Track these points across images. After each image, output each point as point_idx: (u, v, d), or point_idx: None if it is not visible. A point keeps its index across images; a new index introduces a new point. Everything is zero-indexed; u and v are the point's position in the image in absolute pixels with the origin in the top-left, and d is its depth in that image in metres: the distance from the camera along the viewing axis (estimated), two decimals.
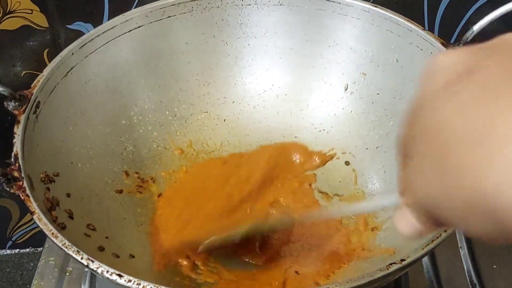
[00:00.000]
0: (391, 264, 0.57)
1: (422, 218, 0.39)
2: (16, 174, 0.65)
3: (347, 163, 0.92)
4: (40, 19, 0.95)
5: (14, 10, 0.93)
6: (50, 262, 0.92)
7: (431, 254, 0.91)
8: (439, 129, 0.32)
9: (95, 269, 0.57)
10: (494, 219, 0.29)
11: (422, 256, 0.59)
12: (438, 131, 0.32)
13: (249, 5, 0.93)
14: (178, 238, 0.81)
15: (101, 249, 0.72)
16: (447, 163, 0.31)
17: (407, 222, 0.41)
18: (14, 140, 0.68)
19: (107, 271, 0.56)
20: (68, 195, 0.74)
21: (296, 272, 0.80)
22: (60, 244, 0.59)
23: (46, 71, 0.77)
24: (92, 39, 0.83)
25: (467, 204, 0.30)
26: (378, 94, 0.89)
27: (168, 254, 0.79)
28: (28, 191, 0.63)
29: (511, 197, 0.27)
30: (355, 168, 0.91)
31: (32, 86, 0.74)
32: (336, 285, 0.55)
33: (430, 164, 0.33)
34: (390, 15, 0.85)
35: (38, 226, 0.61)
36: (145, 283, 0.54)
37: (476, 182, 0.29)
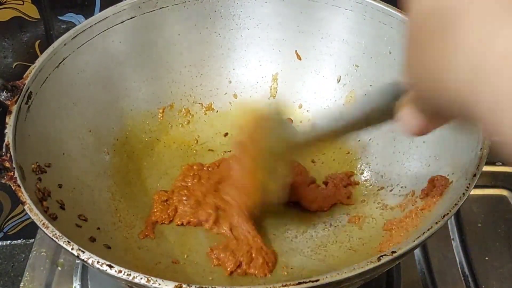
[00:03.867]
0: (382, 256, 0.56)
1: (426, 109, 0.44)
2: (7, 164, 0.64)
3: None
4: (31, 10, 0.95)
5: (5, 1, 0.93)
6: (42, 253, 0.92)
7: (423, 246, 0.92)
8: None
9: (85, 259, 0.57)
10: None
11: (414, 248, 0.59)
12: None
13: None
14: None
15: (92, 240, 0.72)
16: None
17: (412, 117, 0.46)
18: (6, 131, 0.68)
19: (98, 262, 0.56)
20: (60, 185, 0.73)
21: None
22: (50, 235, 0.59)
23: (38, 62, 0.77)
24: (85, 30, 0.83)
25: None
26: (370, 86, 0.89)
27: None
28: (19, 182, 0.63)
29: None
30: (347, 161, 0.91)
31: (24, 76, 0.74)
32: (326, 277, 0.55)
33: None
34: (383, 6, 0.85)
35: (29, 218, 0.61)
36: (135, 274, 0.54)
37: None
